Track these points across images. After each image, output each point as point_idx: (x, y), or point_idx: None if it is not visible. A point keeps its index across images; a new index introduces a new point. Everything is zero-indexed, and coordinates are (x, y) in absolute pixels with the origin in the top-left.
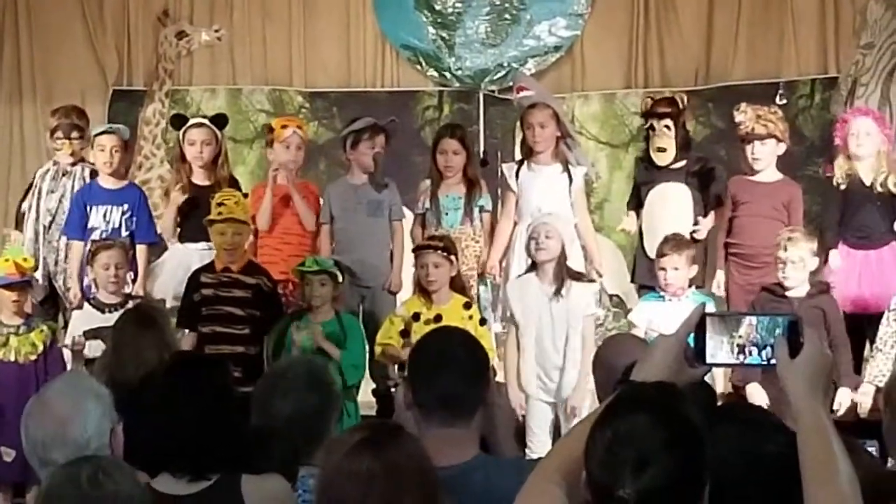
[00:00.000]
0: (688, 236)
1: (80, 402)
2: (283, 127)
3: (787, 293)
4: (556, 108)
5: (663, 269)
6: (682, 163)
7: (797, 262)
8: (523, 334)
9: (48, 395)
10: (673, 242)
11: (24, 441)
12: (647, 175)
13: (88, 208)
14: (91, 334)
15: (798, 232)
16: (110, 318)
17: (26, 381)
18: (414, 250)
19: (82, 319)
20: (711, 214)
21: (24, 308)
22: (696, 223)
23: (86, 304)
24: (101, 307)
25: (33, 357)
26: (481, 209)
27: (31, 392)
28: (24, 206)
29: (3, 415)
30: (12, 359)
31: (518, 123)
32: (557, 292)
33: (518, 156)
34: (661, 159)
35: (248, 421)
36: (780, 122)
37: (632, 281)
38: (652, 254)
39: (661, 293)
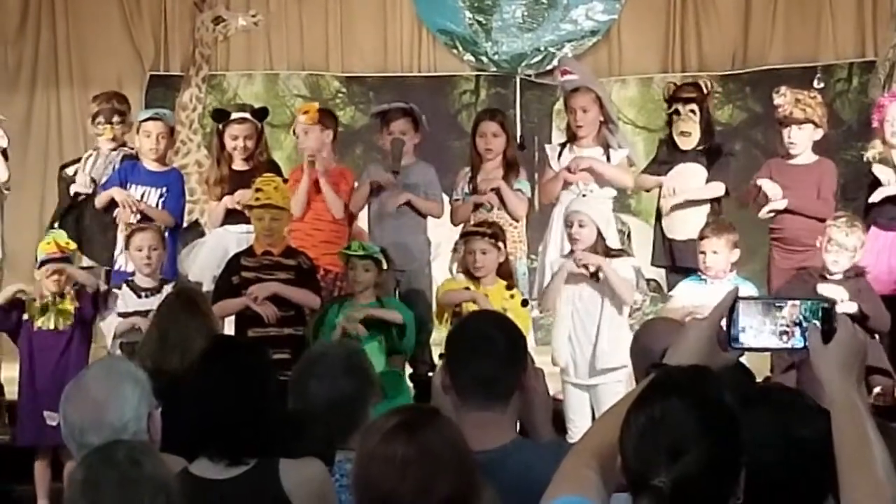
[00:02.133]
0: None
1: (117, 386)
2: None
3: (823, 274)
4: (600, 92)
5: (703, 252)
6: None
7: (851, 251)
8: (558, 313)
9: (86, 379)
10: (713, 226)
11: (62, 425)
12: (667, 156)
13: (128, 186)
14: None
15: (844, 217)
16: (146, 303)
17: (65, 347)
18: (462, 236)
19: (119, 301)
20: (715, 185)
21: (64, 288)
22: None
23: (124, 286)
24: (137, 290)
25: (70, 323)
26: (520, 193)
27: (68, 357)
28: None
29: (46, 380)
30: (51, 326)
31: (554, 107)
32: (595, 275)
33: (555, 139)
34: (685, 143)
35: (286, 405)
36: (819, 107)
37: (652, 264)
38: (669, 234)
39: (703, 276)
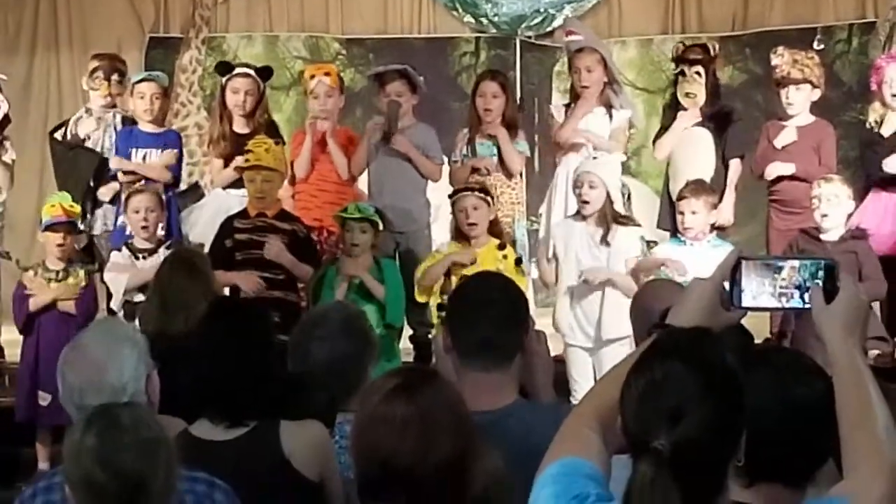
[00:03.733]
0: (708, 181)
1: (115, 347)
2: (312, 77)
3: (822, 236)
4: (604, 52)
5: (682, 212)
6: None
7: (832, 200)
8: (561, 276)
9: (84, 342)
10: (692, 187)
11: (60, 388)
12: (671, 120)
13: (131, 151)
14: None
15: (833, 174)
16: (144, 264)
17: (65, 326)
18: (451, 195)
19: (118, 263)
20: (734, 165)
21: (69, 253)
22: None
23: (123, 248)
24: (135, 252)
25: (74, 298)
26: (520, 153)
27: (69, 336)
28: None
29: (45, 358)
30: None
31: (554, 69)
32: (604, 239)
33: (555, 100)
34: (690, 105)
35: (286, 367)
36: (816, 67)
37: (658, 226)
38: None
39: (682, 238)
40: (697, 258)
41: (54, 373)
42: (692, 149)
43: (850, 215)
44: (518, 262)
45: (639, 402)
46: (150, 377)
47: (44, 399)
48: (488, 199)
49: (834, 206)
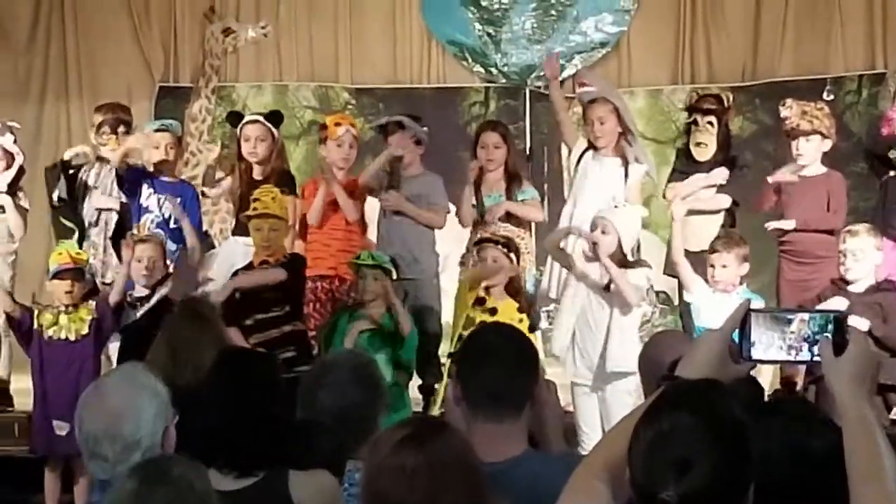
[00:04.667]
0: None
1: (135, 397)
2: (337, 125)
3: (850, 288)
4: (618, 103)
5: (713, 265)
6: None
7: (858, 254)
8: (563, 311)
9: (105, 388)
10: (724, 240)
11: (77, 431)
12: (683, 166)
13: (144, 186)
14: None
15: (860, 225)
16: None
17: (79, 356)
18: (475, 244)
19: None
20: (718, 174)
21: (76, 299)
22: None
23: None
24: (133, 303)
25: (84, 331)
26: (524, 202)
27: (82, 365)
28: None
29: (56, 390)
30: (63, 336)
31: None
32: (608, 287)
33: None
34: (700, 154)
35: (294, 413)
36: (826, 118)
37: (664, 272)
38: (685, 246)
39: (712, 289)
40: (725, 309)
41: (65, 401)
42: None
43: (878, 266)
44: (532, 329)
45: (646, 454)
46: (168, 430)
47: (61, 429)
48: (511, 255)
49: (860, 261)
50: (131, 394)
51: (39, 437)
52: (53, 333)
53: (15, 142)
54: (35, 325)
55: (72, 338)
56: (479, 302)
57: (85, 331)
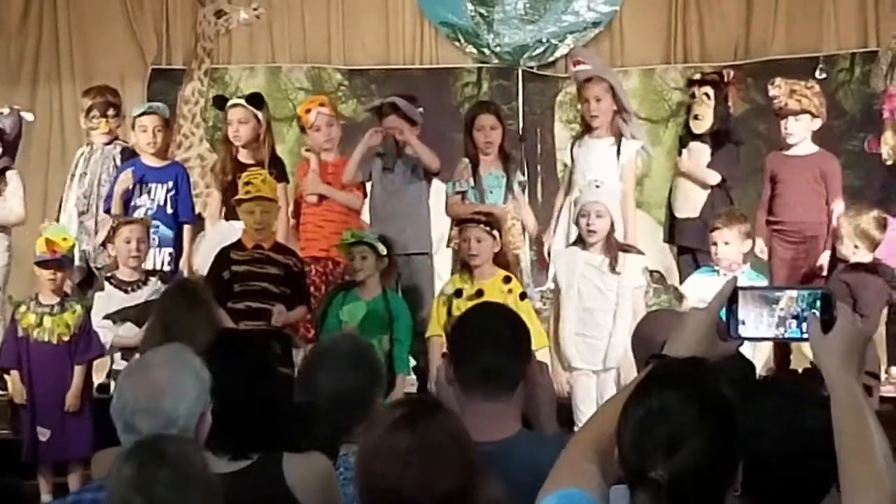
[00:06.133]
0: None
1: (180, 375)
2: (308, 111)
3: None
4: (613, 81)
5: (715, 243)
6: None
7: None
8: (564, 304)
9: (151, 361)
10: (725, 217)
11: (114, 399)
12: (682, 140)
13: (139, 187)
14: (118, 317)
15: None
16: (133, 297)
17: (60, 361)
18: (457, 225)
19: (104, 300)
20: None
21: (62, 287)
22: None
23: (106, 284)
24: (122, 286)
25: (66, 338)
26: (521, 184)
27: (64, 371)
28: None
29: (39, 395)
30: (46, 339)
31: (556, 99)
32: (612, 267)
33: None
34: (697, 127)
35: (291, 398)
36: (815, 97)
37: (664, 240)
38: (678, 213)
39: (715, 267)
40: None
41: (50, 408)
42: (695, 162)
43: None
44: (523, 296)
45: (635, 433)
46: (204, 416)
47: (42, 434)
48: (493, 232)
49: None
50: (176, 370)
51: (28, 445)
52: (38, 335)
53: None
54: (18, 329)
55: (54, 341)
56: (458, 294)
57: (67, 336)
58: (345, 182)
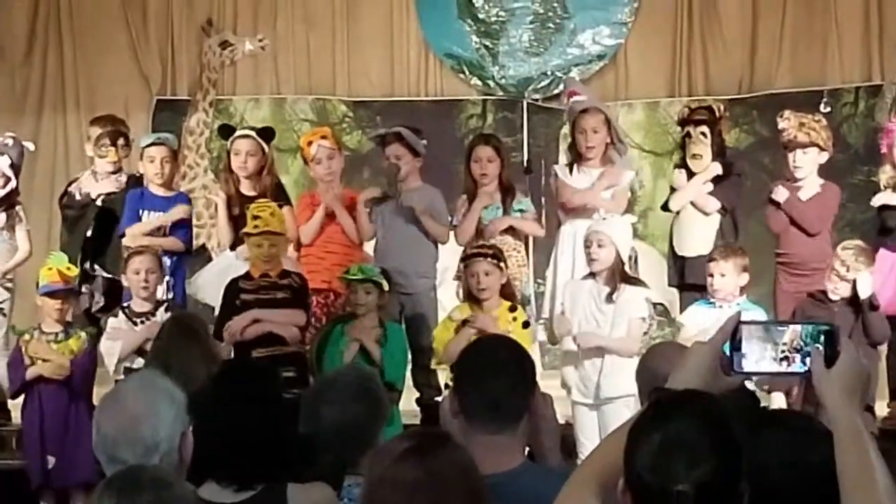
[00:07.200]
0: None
1: (154, 402)
2: (309, 144)
3: (831, 296)
4: (608, 113)
5: (711, 274)
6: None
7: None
8: (566, 341)
9: (123, 392)
10: (721, 249)
11: (94, 435)
12: (681, 181)
13: (141, 213)
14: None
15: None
16: (141, 329)
17: (64, 389)
18: (463, 259)
19: (114, 329)
20: (696, 181)
21: (66, 316)
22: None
23: (120, 313)
24: (133, 317)
25: (68, 369)
26: (521, 213)
27: (68, 399)
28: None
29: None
30: (53, 370)
31: (561, 131)
32: (610, 297)
33: (562, 162)
34: (696, 166)
35: (296, 429)
36: (823, 130)
37: (668, 284)
38: (686, 252)
39: (711, 300)
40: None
41: (59, 436)
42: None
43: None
44: (525, 325)
45: (655, 456)
46: (185, 435)
47: (49, 461)
48: (501, 264)
49: (846, 286)
50: (149, 397)
51: (37, 472)
52: (45, 369)
53: (11, 165)
54: (25, 359)
55: (59, 373)
56: (465, 324)
57: (67, 368)
58: (365, 241)
